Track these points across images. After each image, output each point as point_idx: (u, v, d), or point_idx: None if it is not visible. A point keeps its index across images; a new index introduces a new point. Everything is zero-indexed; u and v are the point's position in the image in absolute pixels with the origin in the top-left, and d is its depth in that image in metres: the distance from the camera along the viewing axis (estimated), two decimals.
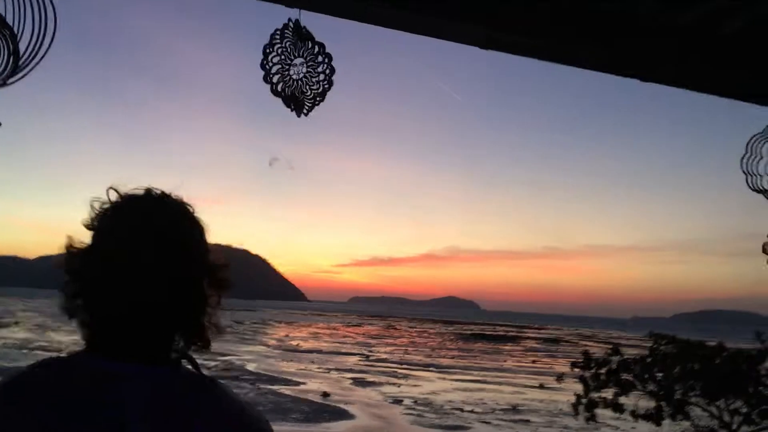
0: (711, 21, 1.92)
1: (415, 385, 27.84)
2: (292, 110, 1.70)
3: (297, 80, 1.72)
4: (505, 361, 45.10)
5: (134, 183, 1.14)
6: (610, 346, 7.60)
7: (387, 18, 1.84)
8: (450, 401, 23.60)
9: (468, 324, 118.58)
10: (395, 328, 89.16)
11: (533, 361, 44.88)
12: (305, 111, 1.71)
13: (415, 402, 22.98)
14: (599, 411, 6.43)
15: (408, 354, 45.42)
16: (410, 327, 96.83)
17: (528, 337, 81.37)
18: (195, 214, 1.16)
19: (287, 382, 25.86)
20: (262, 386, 24.23)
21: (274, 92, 1.67)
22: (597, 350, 8.64)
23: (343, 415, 19.73)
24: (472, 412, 21.65)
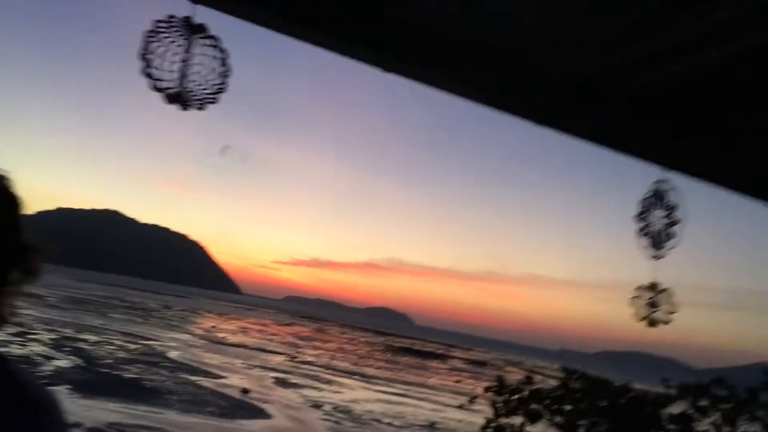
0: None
1: (337, 392, 27.73)
2: (170, 104, 1.62)
3: (184, 76, 1.64)
4: (429, 377, 45.42)
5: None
6: (532, 375, 7.77)
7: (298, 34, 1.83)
8: (369, 411, 23.59)
9: (399, 337, 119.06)
10: (326, 332, 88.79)
11: (457, 381, 45.34)
12: (198, 106, 1.65)
13: (335, 408, 22.89)
14: None
15: (335, 359, 45.26)
16: (341, 333, 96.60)
17: (456, 357, 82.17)
18: (11, 189, 1.12)
19: (208, 375, 25.40)
20: (181, 375, 23.73)
21: (155, 88, 1.60)
22: (519, 377, 8.79)
23: (259, 413, 19.48)
24: (389, 424, 21.68)
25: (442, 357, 77.08)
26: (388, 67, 1.91)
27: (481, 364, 75.41)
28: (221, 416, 17.89)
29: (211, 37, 1.63)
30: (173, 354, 30.01)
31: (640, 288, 2.21)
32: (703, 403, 6.18)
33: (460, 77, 1.99)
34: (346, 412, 22.61)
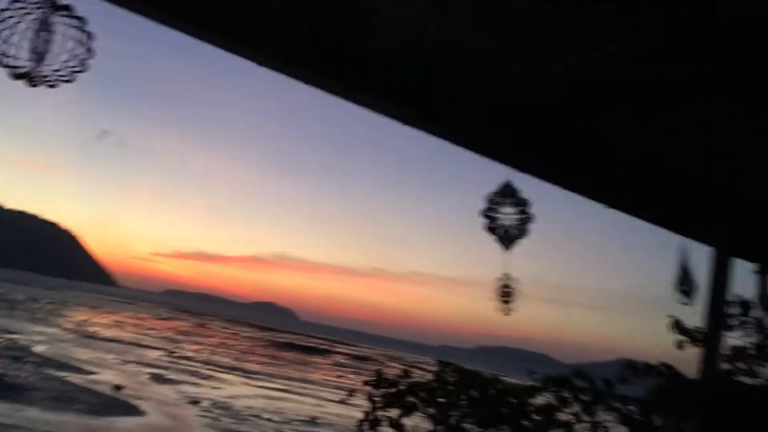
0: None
1: (216, 388, 27.13)
2: (16, 80, 1.56)
3: (38, 53, 1.58)
4: (312, 372, 45.40)
5: None
6: (411, 369, 7.98)
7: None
8: (249, 407, 23.26)
9: (283, 332, 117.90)
10: (207, 327, 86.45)
11: (339, 376, 45.59)
12: (50, 85, 1.59)
13: (214, 404, 22.39)
14: (383, 429, 6.68)
15: (215, 355, 44.18)
16: (223, 327, 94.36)
17: (339, 353, 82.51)
18: None
19: (77, 370, 24.10)
20: (47, 371, 22.36)
21: (0, 62, 1.54)
22: (398, 371, 8.99)
23: (132, 410, 18.74)
24: (269, 420, 21.49)
25: (325, 352, 77.21)
26: (261, 61, 1.94)
27: (364, 359, 76.09)
28: (90, 413, 17.04)
29: (76, 17, 1.57)
30: (39, 348, 28.20)
31: (496, 280, 2.38)
32: (566, 394, 6.61)
33: (324, 72, 2.05)
34: (226, 408, 22.17)
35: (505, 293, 2.34)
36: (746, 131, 2.91)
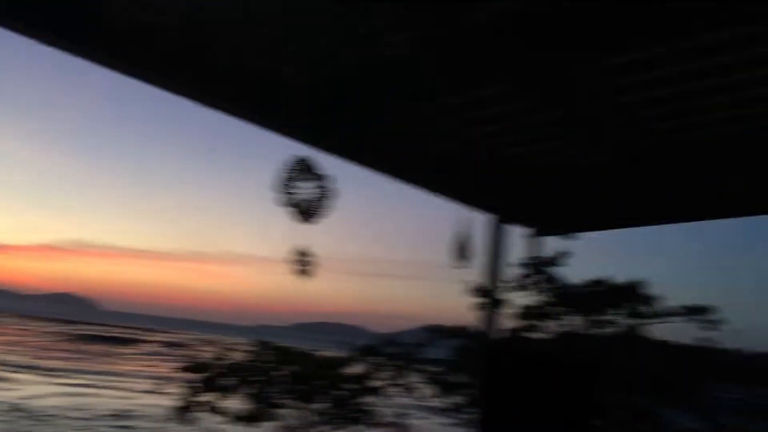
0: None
1: (10, 389, 24.70)
2: None
3: None
4: (122, 364, 42.94)
5: None
6: (227, 352, 7.93)
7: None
8: (51, 406, 21.50)
9: (86, 324, 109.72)
10: None
11: (151, 365, 43.62)
12: None
13: (7, 408, 20.40)
14: (202, 414, 6.63)
15: (6, 354, 40.11)
16: (14, 323, 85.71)
17: (151, 341, 78.64)
18: None
19: None
20: None
21: None
22: (215, 355, 8.87)
23: None
24: (74, 418, 20.06)
25: (135, 342, 73.25)
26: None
27: (178, 345, 73.19)
28: None
29: None
30: None
31: (293, 252, 2.49)
32: (378, 361, 7.02)
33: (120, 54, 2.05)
34: (21, 410, 20.30)
35: (303, 265, 2.45)
36: (516, 110, 3.31)
